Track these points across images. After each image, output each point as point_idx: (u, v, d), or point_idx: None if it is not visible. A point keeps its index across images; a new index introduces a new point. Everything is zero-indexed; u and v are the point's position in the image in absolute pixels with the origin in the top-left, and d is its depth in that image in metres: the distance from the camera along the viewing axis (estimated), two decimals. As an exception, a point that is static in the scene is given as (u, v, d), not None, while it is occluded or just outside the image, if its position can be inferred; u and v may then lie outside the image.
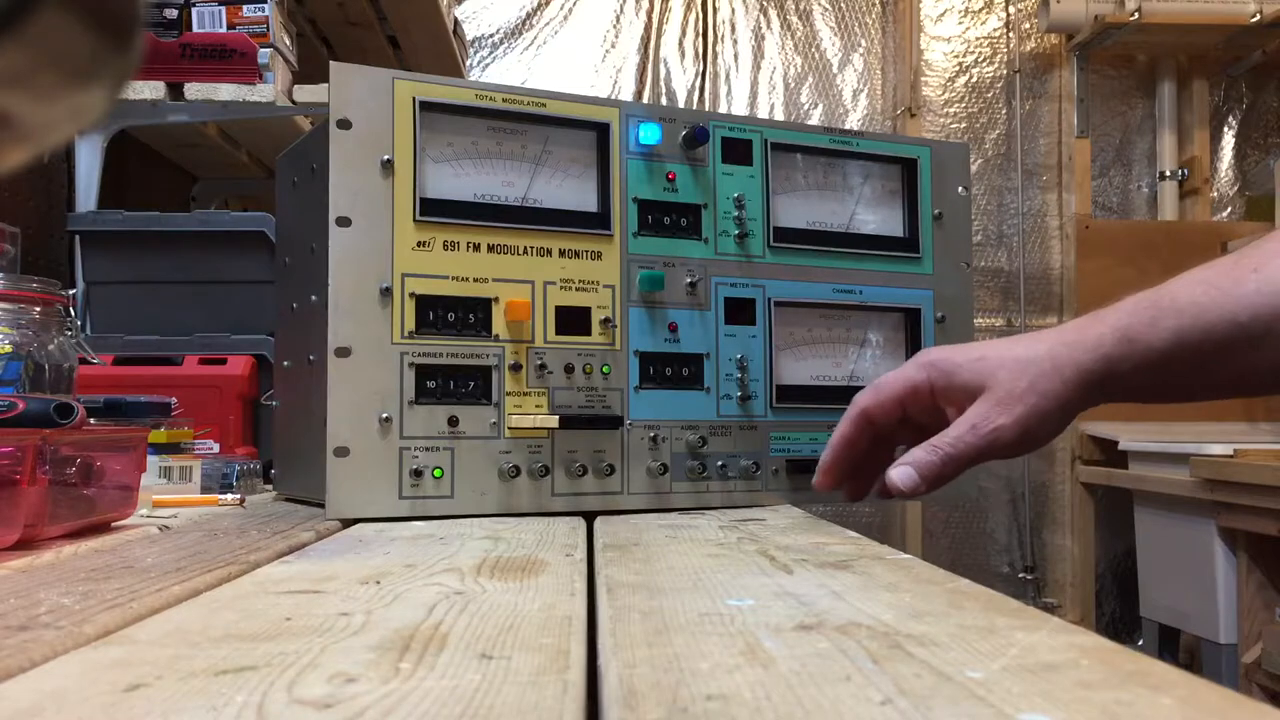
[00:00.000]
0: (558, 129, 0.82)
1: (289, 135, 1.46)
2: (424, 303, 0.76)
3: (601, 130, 0.83)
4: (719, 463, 0.85)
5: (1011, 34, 2.94)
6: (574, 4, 2.89)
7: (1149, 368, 0.62)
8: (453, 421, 0.76)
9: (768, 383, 0.87)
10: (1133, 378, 0.63)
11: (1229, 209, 2.99)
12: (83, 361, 0.95)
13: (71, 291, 1.07)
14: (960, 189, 0.97)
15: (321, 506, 0.73)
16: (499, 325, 0.78)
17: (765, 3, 2.93)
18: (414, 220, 0.76)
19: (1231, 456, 1.98)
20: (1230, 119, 2.99)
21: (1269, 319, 0.59)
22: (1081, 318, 0.66)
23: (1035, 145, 2.93)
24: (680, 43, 2.91)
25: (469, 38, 2.74)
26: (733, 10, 2.92)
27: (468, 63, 2.56)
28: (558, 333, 0.80)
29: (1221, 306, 0.60)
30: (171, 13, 1.38)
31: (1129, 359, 0.62)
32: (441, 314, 0.76)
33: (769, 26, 2.92)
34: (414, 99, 0.76)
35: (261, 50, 1.35)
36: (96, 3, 0.24)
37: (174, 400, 1.01)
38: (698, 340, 0.85)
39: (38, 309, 0.81)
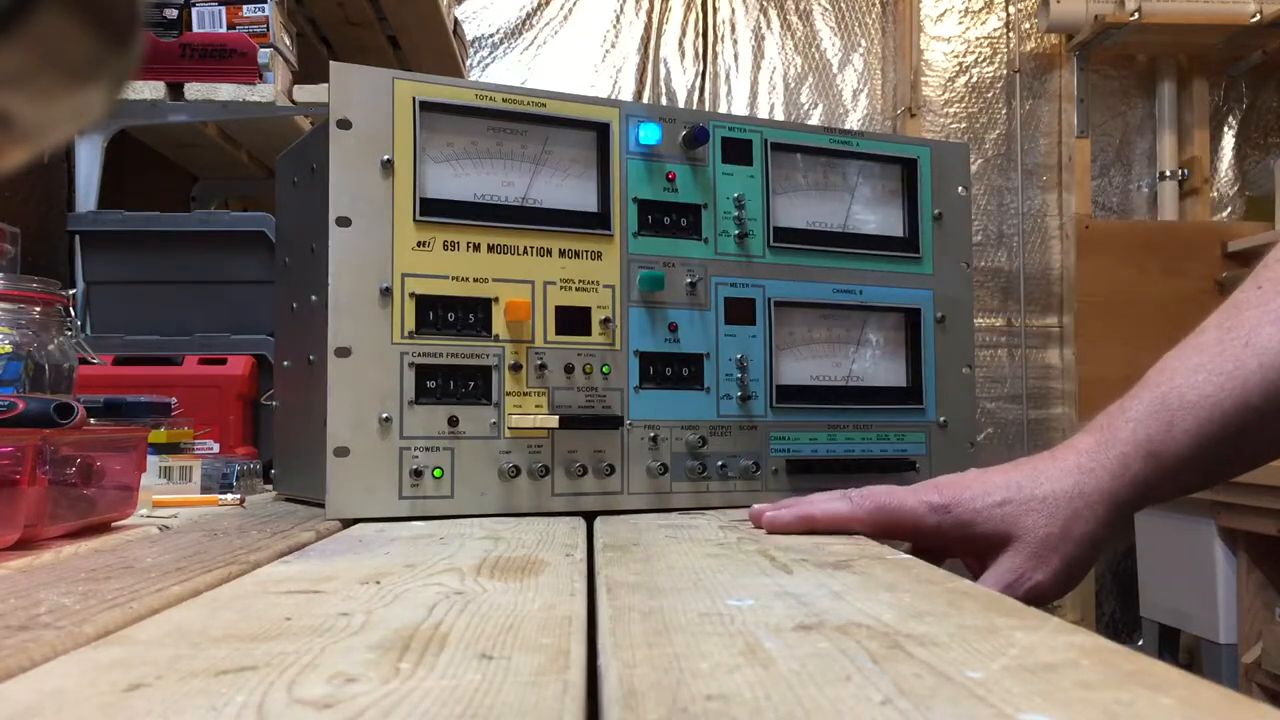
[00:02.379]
0: (558, 129, 0.82)
1: (289, 135, 1.46)
2: (424, 303, 0.76)
3: (601, 130, 0.83)
4: (719, 463, 0.85)
5: (1011, 34, 2.94)
6: (574, 4, 2.89)
7: (1180, 475, 0.60)
8: (453, 421, 0.76)
9: (768, 383, 0.87)
10: (1165, 490, 0.61)
11: (1229, 209, 2.99)
12: (83, 361, 0.95)
13: (71, 291, 1.07)
14: (960, 189, 0.97)
15: (321, 506, 0.73)
16: (499, 325, 0.78)
17: (765, 3, 2.92)
18: (414, 220, 0.76)
19: (1231, 456, 1.98)
20: (1230, 119, 2.99)
21: (1278, 392, 0.58)
22: (1092, 429, 0.62)
23: (1035, 145, 2.93)
24: (680, 43, 2.91)
25: (469, 38, 2.74)
26: (733, 10, 2.92)
27: (468, 63, 2.56)
28: (558, 333, 0.80)
29: (1232, 394, 0.58)
30: (171, 13, 1.38)
31: (1158, 474, 0.60)
32: (441, 314, 0.76)
33: (769, 26, 2.92)
34: (414, 99, 0.76)
35: (261, 50, 1.35)
36: (96, 3, 0.24)
37: (174, 400, 1.01)
38: (698, 340, 0.85)
39: (38, 309, 0.81)
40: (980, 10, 2.96)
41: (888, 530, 0.63)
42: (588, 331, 0.81)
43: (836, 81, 2.93)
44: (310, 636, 0.35)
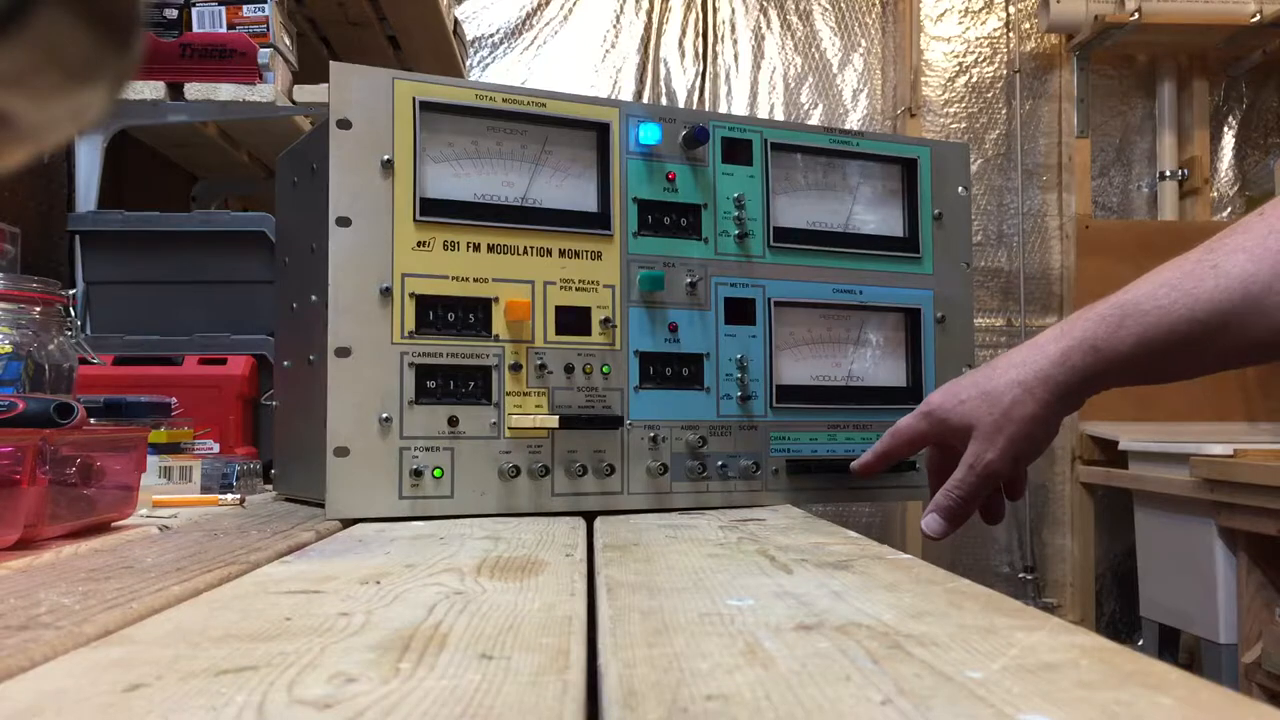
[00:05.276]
0: (557, 129, 0.82)
1: (289, 135, 1.46)
2: (424, 303, 0.76)
3: (601, 130, 0.83)
4: (719, 463, 0.84)
5: (1011, 34, 2.94)
6: (574, 4, 2.89)
7: (1118, 369, 0.67)
8: (453, 421, 0.76)
9: (768, 383, 0.87)
10: (1104, 379, 0.68)
11: (1229, 209, 2.99)
12: (83, 361, 0.95)
13: (71, 291, 1.07)
14: (960, 189, 0.97)
15: (321, 506, 0.73)
16: (499, 325, 0.78)
17: (765, 3, 2.92)
18: (414, 220, 0.76)
19: (1231, 456, 1.98)
20: (1230, 119, 2.99)
21: (1226, 311, 0.63)
22: (1054, 328, 0.71)
23: (1035, 145, 2.93)
24: (680, 43, 2.91)
25: (469, 38, 2.74)
26: (733, 10, 2.92)
27: (468, 63, 2.56)
28: (558, 333, 0.80)
29: (1181, 307, 0.64)
30: (171, 13, 1.38)
31: (1096, 365, 0.67)
32: (441, 314, 0.76)
33: (769, 26, 2.92)
34: (414, 99, 0.76)
35: (261, 50, 1.35)
36: (96, 3, 0.24)
37: (174, 400, 1.01)
38: (698, 340, 0.85)
39: (38, 309, 0.81)
40: (980, 10, 2.96)
41: (902, 441, 0.79)
42: (588, 331, 0.81)
43: (836, 81, 2.93)
44: (310, 636, 0.35)
